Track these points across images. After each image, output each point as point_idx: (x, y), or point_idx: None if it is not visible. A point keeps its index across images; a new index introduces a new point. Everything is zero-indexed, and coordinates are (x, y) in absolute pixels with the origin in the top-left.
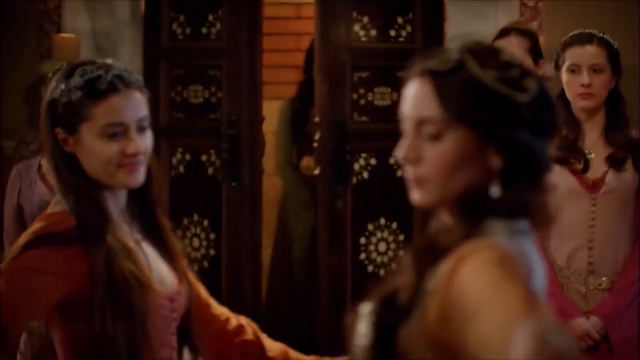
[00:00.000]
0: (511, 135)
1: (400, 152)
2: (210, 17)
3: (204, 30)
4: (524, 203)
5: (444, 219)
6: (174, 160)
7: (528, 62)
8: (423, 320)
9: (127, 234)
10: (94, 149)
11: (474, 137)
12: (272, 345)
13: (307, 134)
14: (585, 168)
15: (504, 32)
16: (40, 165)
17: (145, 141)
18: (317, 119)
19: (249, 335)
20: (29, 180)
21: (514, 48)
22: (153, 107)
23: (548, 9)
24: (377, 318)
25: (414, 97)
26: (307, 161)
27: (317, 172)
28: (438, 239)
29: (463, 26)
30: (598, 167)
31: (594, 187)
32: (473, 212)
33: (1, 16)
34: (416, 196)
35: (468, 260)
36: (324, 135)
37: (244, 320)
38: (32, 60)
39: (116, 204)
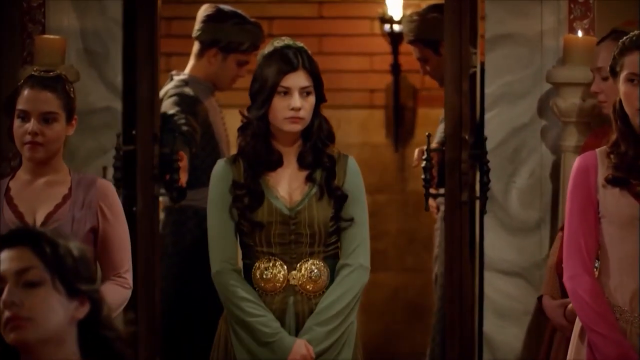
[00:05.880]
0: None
1: None
2: None
3: None
4: None
5: None
6: None
7: None
8: None
9: None
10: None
11: None
12: None
13: (260, 224)
14: None
15: (608, 34)
16: (8, 188)
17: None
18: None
19: None
20: None
21: (607, 53)
22: None
23: (600, 6)
24: None
25: None
26: (273, 271)
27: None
28: None
29: (503, 26)
30: None
31: None
32: None
33: None
34: None
35: None
36: None
37: None
38: (16, 64)
39: None
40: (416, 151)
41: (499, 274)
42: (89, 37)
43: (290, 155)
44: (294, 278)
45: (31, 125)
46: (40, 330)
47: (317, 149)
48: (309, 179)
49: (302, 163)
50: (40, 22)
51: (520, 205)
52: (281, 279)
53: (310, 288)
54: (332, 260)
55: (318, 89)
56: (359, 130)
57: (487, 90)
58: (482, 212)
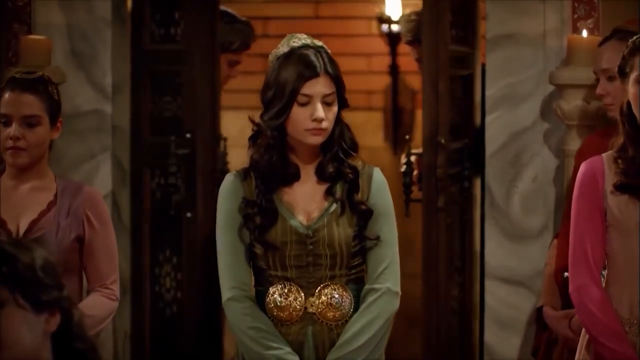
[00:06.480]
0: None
1: None
2: (177, 15)
3: (172, 30)
4: None
5: None
6: (153, 184)
7: None
8: None
9: None
10: None
11: None
12: None
13: (273, 246)
14: None
15: (611, 34)
16: None
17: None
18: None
19: None
20: None
21: (612, 53)
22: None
23: (605, 5)
24: None
25: None
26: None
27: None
28: None
29: (504, 26)
30: None
31: None
32: None
33: None
34: None
35: None
36: None
37: None
38: (1, 66)
39: None
40: (402, 155)
41: (500, 283)
42: (76, 37)
43: (308, 168)
44: (312, 305)
45: (13, 129)
46: (10, 353)
47: (339, 159)
48: (329, 193)
49: (321, 175)
50: (26, 22)
51: (522, 211)
52: (298, 307)
53: (331, 316)
54: (356, 285)
55: (340, 94)
56: (356, 132)
57: (488, 92)
58: (463, 217)
